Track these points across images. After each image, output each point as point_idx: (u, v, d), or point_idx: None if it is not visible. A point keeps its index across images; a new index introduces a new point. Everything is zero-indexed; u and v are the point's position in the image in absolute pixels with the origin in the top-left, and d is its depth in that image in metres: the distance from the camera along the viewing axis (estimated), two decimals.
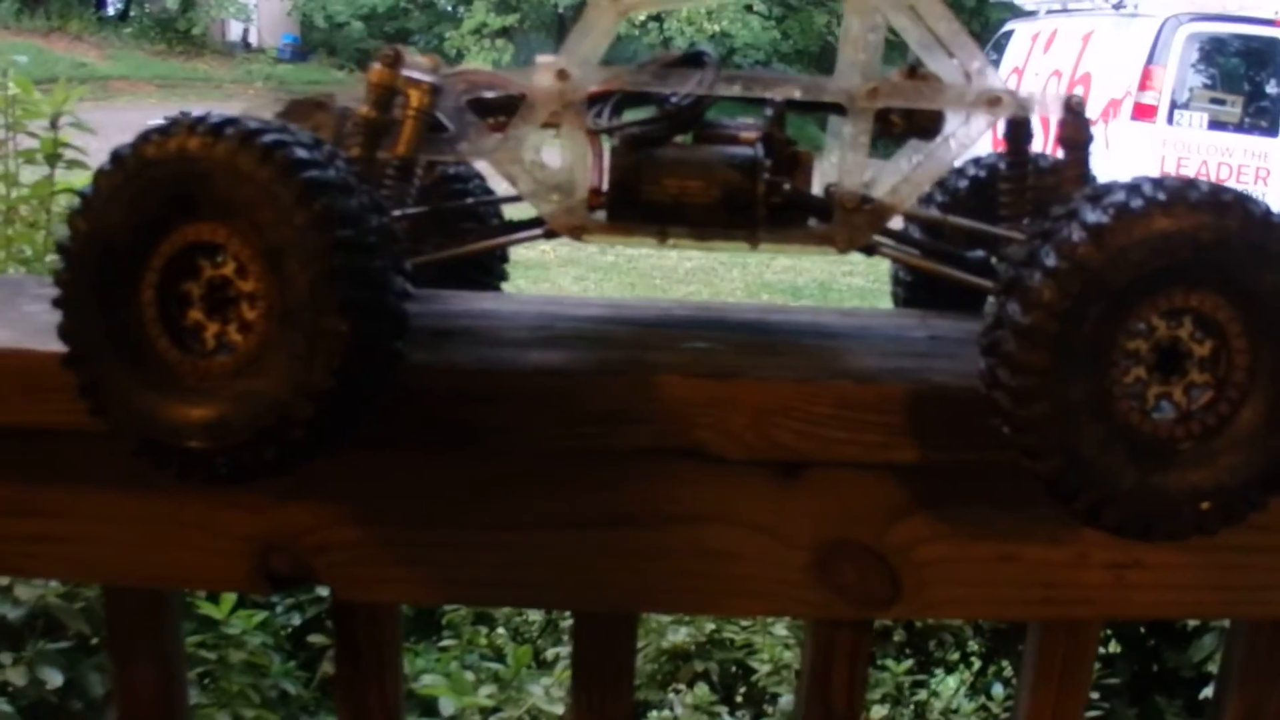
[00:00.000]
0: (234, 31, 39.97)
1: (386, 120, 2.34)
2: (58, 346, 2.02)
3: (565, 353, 2.06)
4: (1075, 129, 2.41)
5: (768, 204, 2.49)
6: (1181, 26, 16.15)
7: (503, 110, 2.36)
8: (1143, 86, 16.10)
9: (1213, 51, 16.80)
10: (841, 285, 16.98)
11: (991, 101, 2.37)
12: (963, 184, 2.72)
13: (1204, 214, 1.93)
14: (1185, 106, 16.15)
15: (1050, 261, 1.87)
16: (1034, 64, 19.90)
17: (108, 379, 2.00)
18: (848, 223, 2.44)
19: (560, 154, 2.49)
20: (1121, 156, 16.04)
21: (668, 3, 2.59)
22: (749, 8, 31.68)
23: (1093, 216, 1.89)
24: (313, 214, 2.01)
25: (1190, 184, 2.00)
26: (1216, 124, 16.14)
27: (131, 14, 38.45)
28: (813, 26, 35.07)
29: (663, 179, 2.50)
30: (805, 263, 17.57)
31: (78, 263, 2.11)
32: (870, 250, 2.42)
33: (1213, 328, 1.99)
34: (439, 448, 2.04)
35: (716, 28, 30.07)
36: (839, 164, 2.44)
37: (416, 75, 2.32)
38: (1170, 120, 15.99)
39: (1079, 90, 17.78)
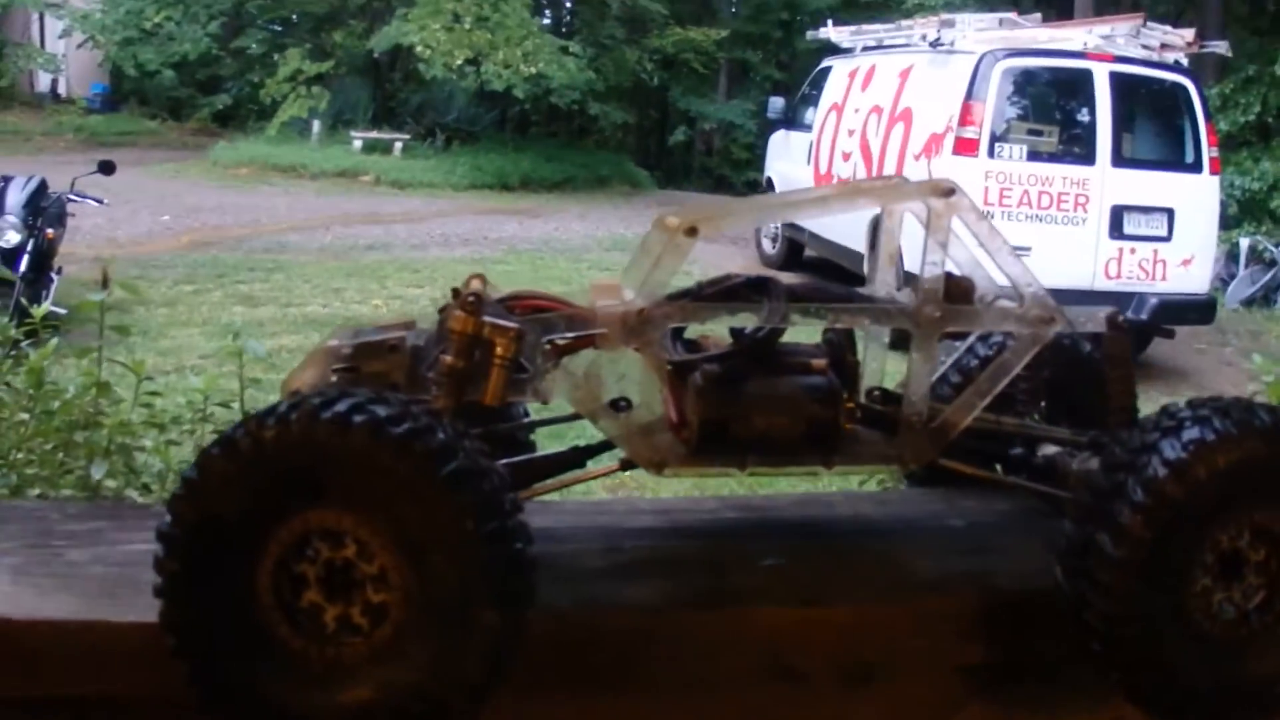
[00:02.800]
0: (43, 82, 39.39)
1: (472, 368, 2.40)
2: (126, 611, 2.03)
3: (652, 584, 2.13)
4: (1119, 345, 2.56)
5: (844, 430, 2.61)
6: (998, 62, 16.45)
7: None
8: (963, 122, 16.35)
9: (1027, 84, 17.13)
10: None
11: (1045, 320, 2.51)
12: (974, 363, 2.87)
13: (1268, 441, 2.10)
14: (1004, 139, 16.41)
15: (1138, 497, 2.01)
16: (853, 99, 20.18)
17: (226, 669, 2.01)
18: (914, 441, 2.56)
19: (637, 388, 2.56)
20: None
21: (734, 225, 2.72)
22: (565, 49, 31.79)
23: (1172, 453, 2.03)
24: (458, 509, 2.04)
25: (1249, 410, 2.16)
26: (1035, 154, 16.42)
27: None
28: (625, 64, 35.32)
29: (751, 416, 2.59)
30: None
31: (185, 551, 2.10)
32: (935, 465, 2.56)
33: (1267, 535, 2.15)
34: (551, 690, 2.09)
35: (533, 70, 30.14)
36: (905, 385, 2.57)
37: (502, 322, 2.38)
38: (991, 154, 16.24)
39: (899, 126, 18.12)
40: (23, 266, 14.32)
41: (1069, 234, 16.29)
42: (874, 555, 2.24)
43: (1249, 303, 22.63)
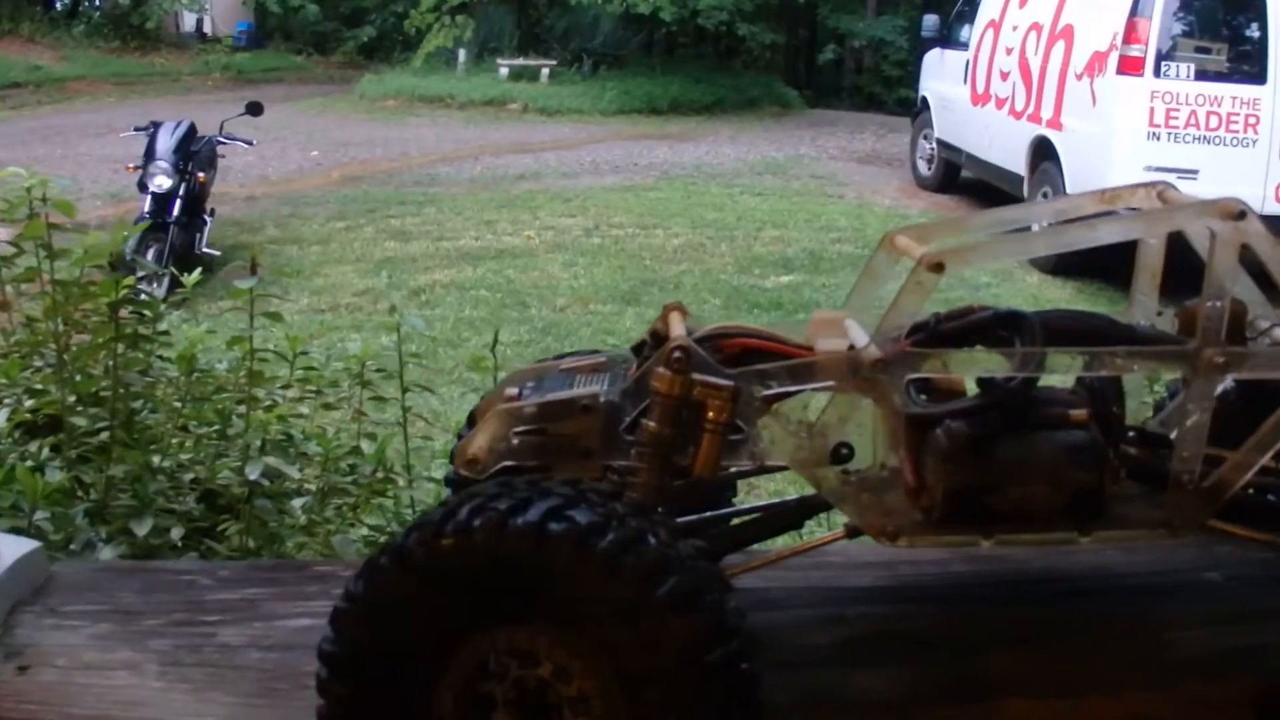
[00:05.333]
0: (188, 23, 39.62)
1: (680, 435, 2.13)
2: (289, 714, 1.79)
3: (886, 670, 1.88)
4: None
5: (1109, 494, 2.31)
6: None
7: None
8: (1128, 39, 15.91)
9: (1194, 0, 16.57)
10: (831, 253, 16.90)
11: None
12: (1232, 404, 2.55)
13: None
14: (1171, 57, 15.94)
15: None
16: (1011, 16, 19.69)
17: None
18: (1184, 503, 2.24)
19: (869, 443, 2.29)
20: (1109, 112, 15.92)
21: (983, 262, 2.44)
22: None
23: None
24: (679, 635, 1.78)
25: None
26: (1203, 73, 15.93)
27: (81, 9, 37.89)
28: None
29: (1006, 485, 2.29)
30: (793, 234, 17.46)
31: (352, 674, 1.84)
32: (1206, 528, 2.25)
33: None
34: None
35: None
36: (1177, 438, 2.25)
37: (716, 380, 2.09)
38: (1157, 73, 15.79)
39: (1060, 44, 17.61)
40: (175, 211, 14.44)
41: (1238, 156, 15.74)
42: (1129, 623, 1.96)
43: None
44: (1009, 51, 19.37)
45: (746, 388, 2.10)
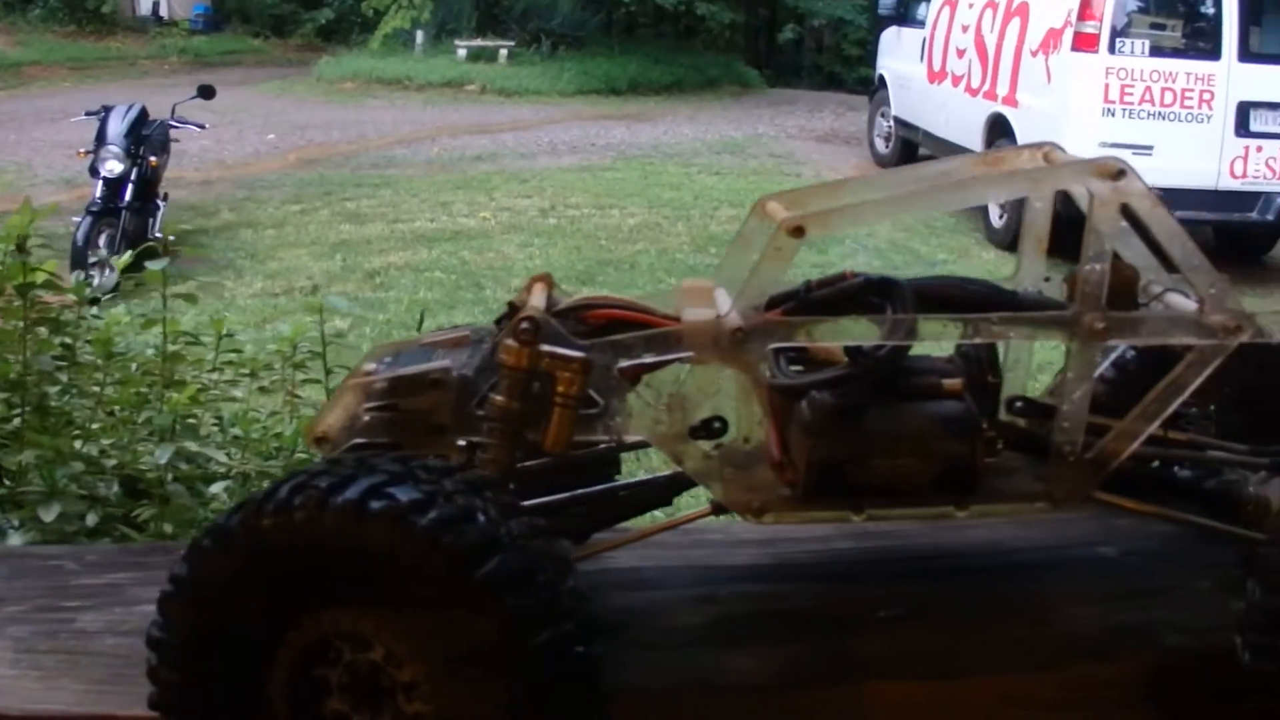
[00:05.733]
0: (144, 6, 39.18)
1: (528, 407, 2.05)
2: (137, 702, 1.73)
3: (757, 651, 1.81)
4: None
5: (983, 466, 2.23)
6: None
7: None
8: (1083, 15, 15.96)
9: None
10: None
11: (1231, 329, 2.10)
12: (1129, 373, 2.46)
13: None
14: (1126, 34, 16.00)
15: None
16: None
17: None
18: (1066, 476, 2.16)
19: (733, 415, 2.21)
20: (1064, 89, 15.93)
21: (849, 225, 2.35)
22: None
23: None
24: (504, 619, 1.70)
25: None
26: (1158, 49, 15.99)
27: None
28: None
29: (871, 458, 2.21)
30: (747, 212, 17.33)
31: (181, 660, 1.77)
32: (1090, 500, 2.17)
33: None
34: None
35: None
36: (1057, 409, 2.16)
37: (565, 352, 2.01)
38: (1112, 49, 15.83)
39: (1015, 21, 17.59)
40: (128, 196, 14.40)
41: (1193, 132, 15.87)
42: (1016, 600, 1.89)
43: None
44: (965, 29, 19.36)
45: (600, 359, 2.03)
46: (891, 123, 22.11)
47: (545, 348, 2.01)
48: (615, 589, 1.88)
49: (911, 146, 21.51)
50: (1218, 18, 16.08)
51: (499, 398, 2.00)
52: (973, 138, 18.17)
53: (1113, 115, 15.76)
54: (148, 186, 14.96)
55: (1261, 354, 2.24)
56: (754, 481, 2.03)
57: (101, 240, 13.70)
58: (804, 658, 1.75)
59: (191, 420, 4.58)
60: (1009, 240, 16.49)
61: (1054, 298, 2.32)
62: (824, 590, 1.90)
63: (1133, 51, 15.94)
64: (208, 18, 39.07)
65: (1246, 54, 16.09)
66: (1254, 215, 16.08)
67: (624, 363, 2.06)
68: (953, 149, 19.03)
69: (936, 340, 2.01)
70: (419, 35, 32.41)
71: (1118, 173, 2.11)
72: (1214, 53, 16.01)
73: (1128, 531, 2.08)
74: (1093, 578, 1.98)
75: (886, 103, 22.50)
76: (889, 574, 1.95)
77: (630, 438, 2.13)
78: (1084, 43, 15.94)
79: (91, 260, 13.29)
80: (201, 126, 16.46)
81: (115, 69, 33.01)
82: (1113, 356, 2.46)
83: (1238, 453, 2.28)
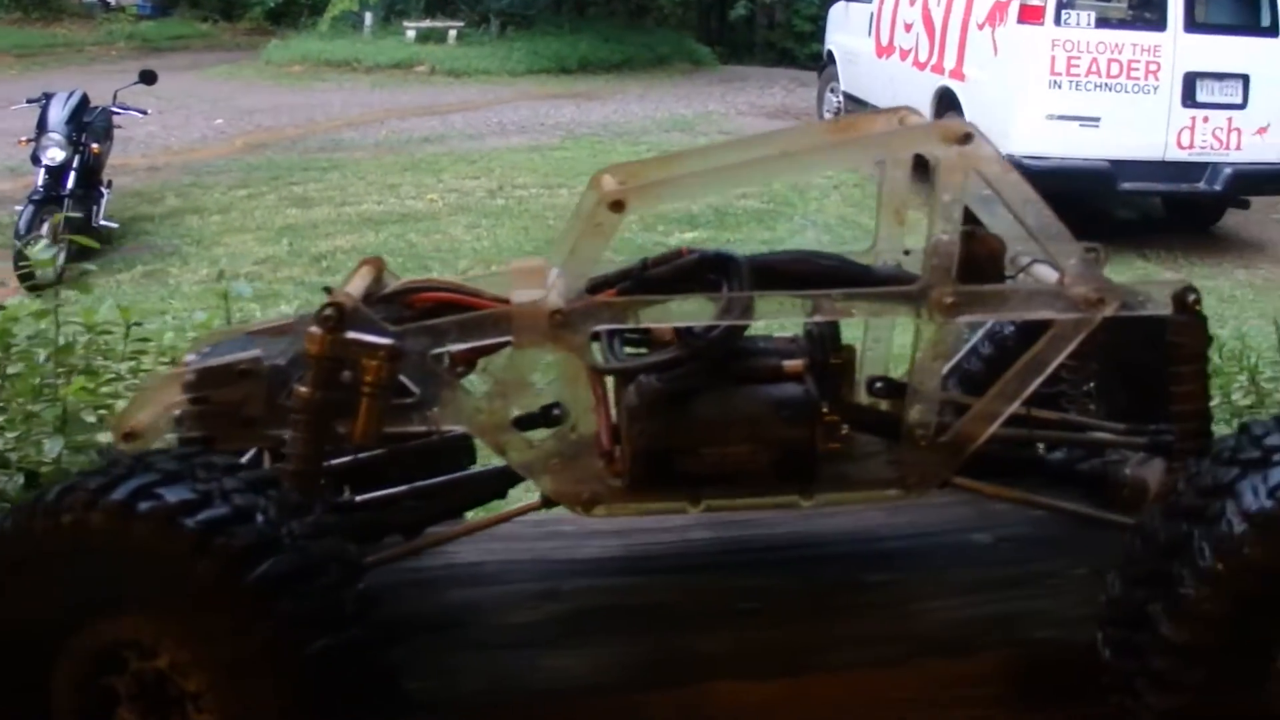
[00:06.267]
0: None
1: (335, 397, 1.94)
2: None
3: (589, 649, 1.70)
4: (1192, 332, 2.03)
5: (825, 451, 2.10)
6: None
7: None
8: None
9: None
10: (737, 209, 16.91)
11: (1093, 301, 1.99)
12: (998, 350, 2.35)
13: None
14: (1072, 5, 16.01)
15: (1206, 561, 1.51)
16: None
17: None
18: (919, 461, 2.03)
19: (559, 405, 2.10)
20: (1010, 61, 15.91)
21: (677, 196, 2.23)
22: None
23: (1255, 500, 1.53)
24: (277, 624, 1.61)
25: None
26: (1104, 21, 16.02)
27: None
28: None
29: (700, 445, 2.08)
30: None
31: None
32: (946, 484, 2.06)
33: None
34: None
35: None
36: (909, 392, 2.05)
37: (370, 339, 1.90)
38: (1058, 20, 15.85)
39: (967, 2, 17.52)
40: (70, 183, 14.38)
41: (1139, 103, 15.94)
42: (879, 593, 1.79)
43: None
44: (912, 3, 19.31)
45: (412, 346, 1.93)
46: (840, 98, 22.06)
47: (350, 335, 1.90)
48: (454, 585, 1.79)
49: None
50: None
51: (302, 388, 1.90)
52: (922, 109, 18.07)
53: (1059, 87, 15.78)
54: (90, 174, 14.98)
55: (1151, 327, 2.14)
56: (583, 472, 1.93)
57: (44, 228, 13.59)
58: (644, 657, 1.65)
59: (87, 412, 4.47)
60: None
61: (913, 271, 2.22)
62: (676, 584, 1.80)
63: (1078, 23, 15.95)
64: (155, 3, 38.74)
65: (1192, 24, 16.16)
66: (1201, 185, 16.14)
67: (439, 349, 1.96)
68: None
69: (774, 319, 1.91)
70: (368, 17, 32.21)
71: (964, 136, 2.00)
72: (1160, 24, 16.06)
73: (1006, 516, 1.98)
74: (963, 566, 1.89)
75: (835, 78, 22.46)
76: (747, 565, 1.86)
77: (448, 426, 2.03)
78: (1030, 15, 15.95)
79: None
80: (144, 112, 16.41)
81: (62, 55, 32.70)
82: (980, 333, 2.37)
83: (1116, 433, 2.19)
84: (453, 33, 31.83)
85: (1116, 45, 15.91)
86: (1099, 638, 1.61)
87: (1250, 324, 9.50)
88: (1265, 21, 16.54)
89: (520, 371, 1.81)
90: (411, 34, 31.68)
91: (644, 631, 1.72)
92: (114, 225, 14.97)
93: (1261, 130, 16.20)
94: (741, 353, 2.00)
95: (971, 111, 16.57)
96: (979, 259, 2.11)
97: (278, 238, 15.24)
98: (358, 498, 2.01)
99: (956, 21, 17.62)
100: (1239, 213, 17.45)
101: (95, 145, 15.02)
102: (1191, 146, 16.03)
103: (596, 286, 2.04)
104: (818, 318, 1.95)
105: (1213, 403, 4.66)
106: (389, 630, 1.55)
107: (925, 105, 17.89)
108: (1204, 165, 16.02)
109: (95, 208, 14.79)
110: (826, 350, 2.07)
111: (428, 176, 18.68)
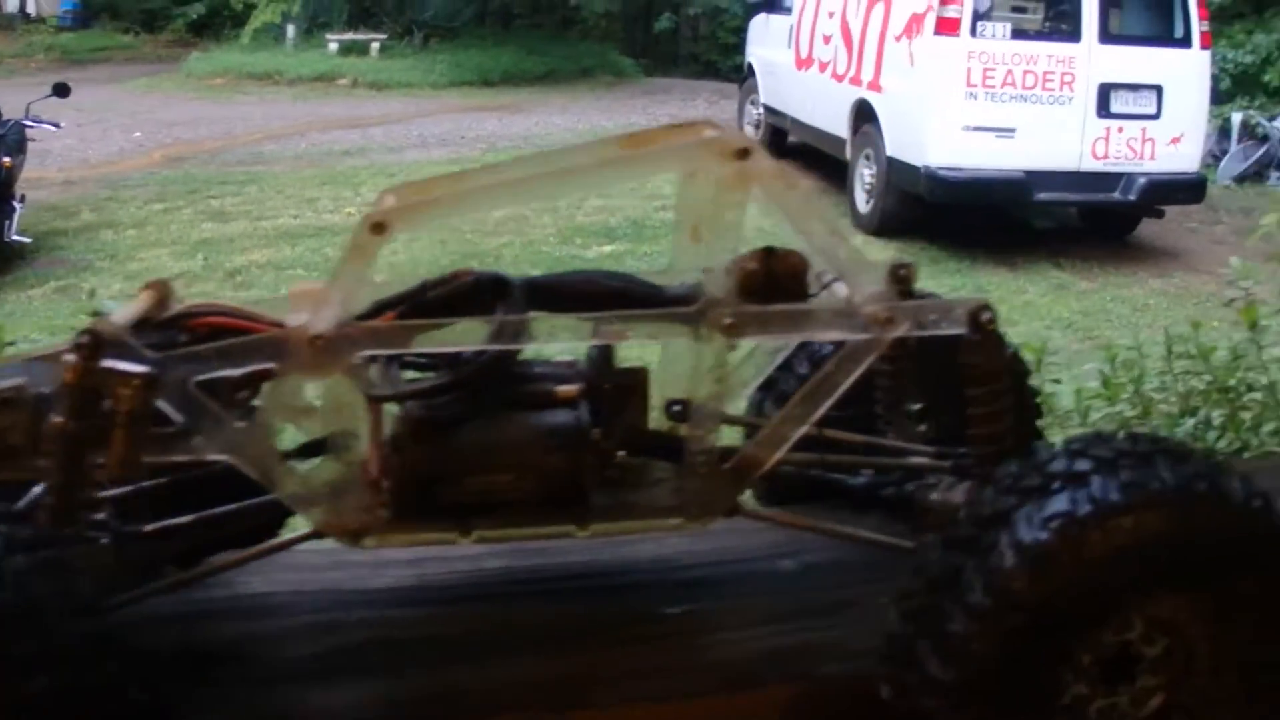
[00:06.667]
0: (11, 3, 38.55)
1: (92, 426, 1.86)
2: None
3: (361, 686, 1.63)
4: (986, 351, 1.94)
5: (600, 479, 2.02)
6: None
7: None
8: (944, 0, 15.92)
9: None
10: (655, 221, 16.88)
11: (881, 321, 1.92)
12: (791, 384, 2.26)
13: (1169, 508, 1.50)
14: (988, 17, 16.11)
15: (976, 597, 1.44)
16: None
17: None
18: (703, 488, 1.95)
19: (328, 432, 2.02)
20: (927, 73, 15.95)
21: (444, 215, 2.16)
22: None
23: (1028, 533, 1.45)
24: (26, 697, 1.54)
25: (1147, 462, 1.59)
26: (1019, 32, 16.13)
27: None
28: None
29: (463, 478, 2.01)
30: (618, 202, 17.29)
31: None
32: (734, 513, 1.98)
33: (1165, 626, 1.58)
34: None
35: None
36: (690, 417, 1.97)
37: (124, 367, 1.82)
38: (974, 32, 15.91)
39: (879, 6, 17.53)
40: None
41: (1054, 114, 16.08)
42: (674, 625, 1.72)
43: (1241, 179, 22.38)
44: (831, 15, 19.32)
45: (171, 374, 1.86)
46: (760, 110, 22.07)
47: (105, 363, 1.83)
48: (238, 616, 1.72)
49: (781, 133, 21.46)
50: (1077, 1, 16.18)
51: (56, 418, 1.83)
52: (839, 123, 18.19)
53: (975, 98, 15.86)
54: (3, 187, 14.80)
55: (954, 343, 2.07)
56: (351, 503, 1.86)
57: None
58: (420, 692, 1.59)
59: None
60: (875, 225, 16.60)
61: (710, 290, 2.11)
62: (466, 615, 1.73)
63: (994, 35, 16.05)
64: (76, 14, 38.43)
65: (1106, 35, 16.29)
66: (1117, 195, 16.26)
67: (200, 376, 1.89)
68: (821, 135, 19.14)
69: (549, 343, 1.84)
70: (290, 29, 32.09)
71: (742, 151, 1.92)
72: (1074, 35, 16.19)
73: (816, 541, 1.91)
74: (766, 595, 1.82)
75: (756, 90, 22.47)
76: (542, 595, 1.79)
77: (213, 455, 1.96)
78: (946, 27, 15.97)
79: None
80: (57, 125, 16.27)
81: None
82: (797, 350, 2.29)
83: (927, 455, 2.12)
84: (375, 45, 31.75)
85: (1032, 57, 16.02)
86: (880, 674, 1.55)
87: (1154, 332, 9.52)
88: (1178, 33, 16.69)
89: (285, 399, 1.74)
90: (334, 46, 31.58)
91: (424, 665, 1.65)
92: (27, 240, 14.81)
93: (1175, 140, 16.35)
94: (515, 378, 1.93)
95: (889, 123, 16.66)
96: (780, 276, 2.04)
97: (193, 252, 15.13)
98: (146, 528, 1.94)
99: (874, 34, 17.64)
100: (1154, 222, 17.55)
101: (7, 159, 14.82)
102: (1106, 156, 16.16)
103: (379, 309, 1.96)
104: (595, 341, 1.88)
105: (1098, 415, 4.64)
106: (140, 667, 1.48)
107: (843, 117, 17.97)
108: (1119, 175, 16.18)
109: (8, 222, 14.62)
110: (609, 373, 1.99)
111: (346, 190, 18.57)
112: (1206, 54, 16.96)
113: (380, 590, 1.77)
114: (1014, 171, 15.80)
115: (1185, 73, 16.56)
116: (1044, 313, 14.28)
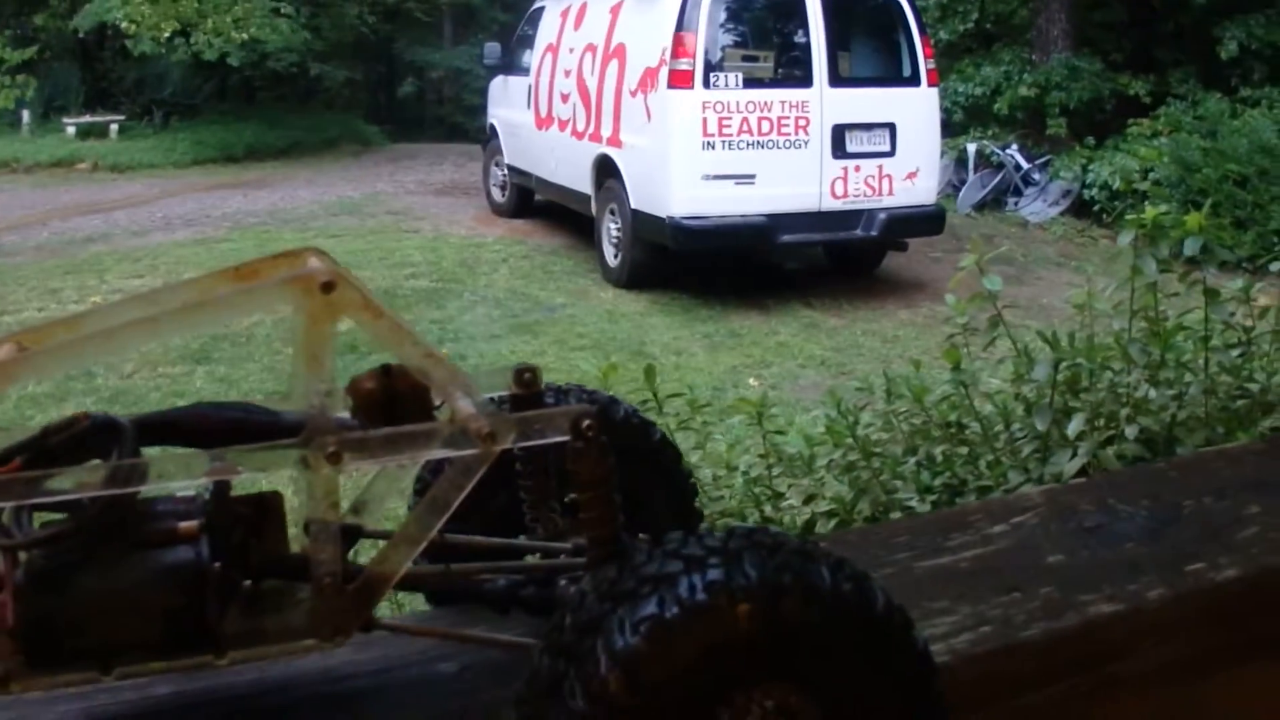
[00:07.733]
0: None
1: None
2: None
3: None
4: (590, 459, 1.95)
5: (234, 608, 2.01)
6: None
7: None
8: (676, 54, 16.23)
9: (740, 11, 17.12)
10: (406, 290, 16.92)
11: (484, 436, 1.93)
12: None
13: (754, 605, 1.53)
14: (719, 68, 16.36)
15: (577, 704, 1.46)
16: (567, 39, 19.83)
17: None
18: (332, 608, 1.96)
19: None
20: (664, 126, 16.15)
21: (74, 366, 2.13)
22: (277, 10, 30.86)
23: (622, 641, 1.47)
24: None
25: (736, 559, 1.62)
26: (752, 81, 16.42)
27: None
28: (344, 20, 34.73)
29: (88, 624, 1.98)
30: (368, 273, 17.19)
31: None
32: (370, 628, 1.99)
33: (786, 713, 1.62)
34: None
35: (245, 35, 29.16)
36: (309, 541, 1.97)
37: None
38: (707, 84, 16.14)
39: (614, 63, 17.72)
40: None
41: (792, 158, 16.41)
42: None
43: (980, 206, 23.22)
44: (568, 74, 19.49)
45: None
46: (505, 171, 22.14)
47: None
48: None
49: (527, 193, 21.59)
50: (807, 47, 16.64)
51: None
52: (582, 180, 18.35)
53: (713, 148, 16.10)
54: None
55: (620, 442, 2.08)
56: None
57: None
58: None
59: None
60: (625, 278, 16.77)
61: (315, 418, 2.06)
62: None
63: (727, 85, 16.33)
64: None
65: (837, 79, 16.81)
66: (859, 232, 16.63)
67: None
68: (566, 193, 19.27)
69: (165, 482, 1.84)
70: (25, 115, 31.47)
71: (326, 285, 1.88)
72: (806, 80, 16.61)
73: (477, 645, 1.93)
74: (423, 700, 1.83)
75: (500, 151, 22.52)
76: (214, 717, 1.78)
77: None
78: (679, 80, 16.20)
79: None
80: None
81: None
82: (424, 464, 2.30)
83: (566, 553, 2.15)
84: (114, 127, 31.29)
85: (766, 104, 16.35)
86: None
87: (903, 364, 9.70)
88: (906, 72, 17.27)
89: None
90: (72, 130, 31.05)
91: None
92: None
93: (911, 175, 16.82)
94: (137, 518, 1.91)
95: (631, 177, 16.83)
96: (401, 394, 2.03)
97: None
98: None
99: (610, 90, 17.84)
100: (899, 255, 17.96)
101: None
102: (845, 195, 16.55)
103: (2, 458, 1.93)
104: (208, 478, 1.87)
105: (822, 461, 4.71)
106: None
107: (586, 173, 18.12)
108: (859, 212, 16.56)
109: None
110: (233, 503, 1.98)
111: (91, 278, 18.15)
112: (935, 91, 17.63)
113: None
114: (756, 216, 16.07)
115: (916, 110, 17.13)
116: (797, 352, 14.52)
